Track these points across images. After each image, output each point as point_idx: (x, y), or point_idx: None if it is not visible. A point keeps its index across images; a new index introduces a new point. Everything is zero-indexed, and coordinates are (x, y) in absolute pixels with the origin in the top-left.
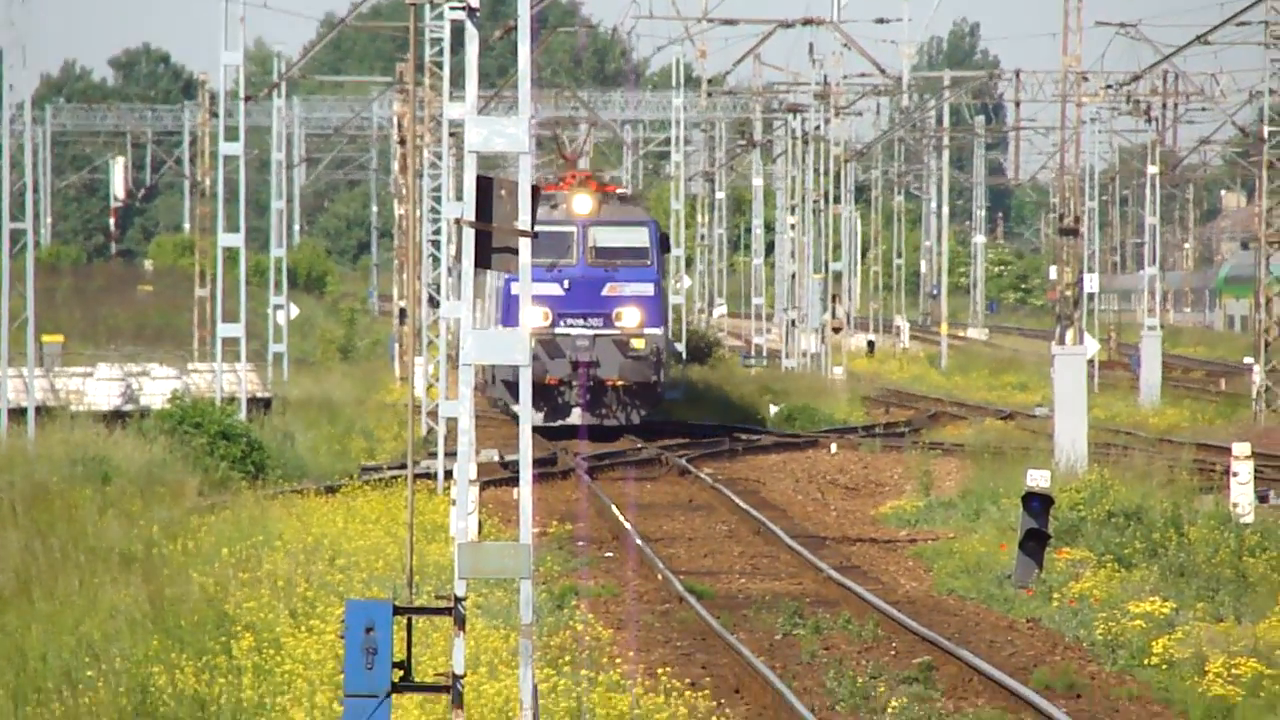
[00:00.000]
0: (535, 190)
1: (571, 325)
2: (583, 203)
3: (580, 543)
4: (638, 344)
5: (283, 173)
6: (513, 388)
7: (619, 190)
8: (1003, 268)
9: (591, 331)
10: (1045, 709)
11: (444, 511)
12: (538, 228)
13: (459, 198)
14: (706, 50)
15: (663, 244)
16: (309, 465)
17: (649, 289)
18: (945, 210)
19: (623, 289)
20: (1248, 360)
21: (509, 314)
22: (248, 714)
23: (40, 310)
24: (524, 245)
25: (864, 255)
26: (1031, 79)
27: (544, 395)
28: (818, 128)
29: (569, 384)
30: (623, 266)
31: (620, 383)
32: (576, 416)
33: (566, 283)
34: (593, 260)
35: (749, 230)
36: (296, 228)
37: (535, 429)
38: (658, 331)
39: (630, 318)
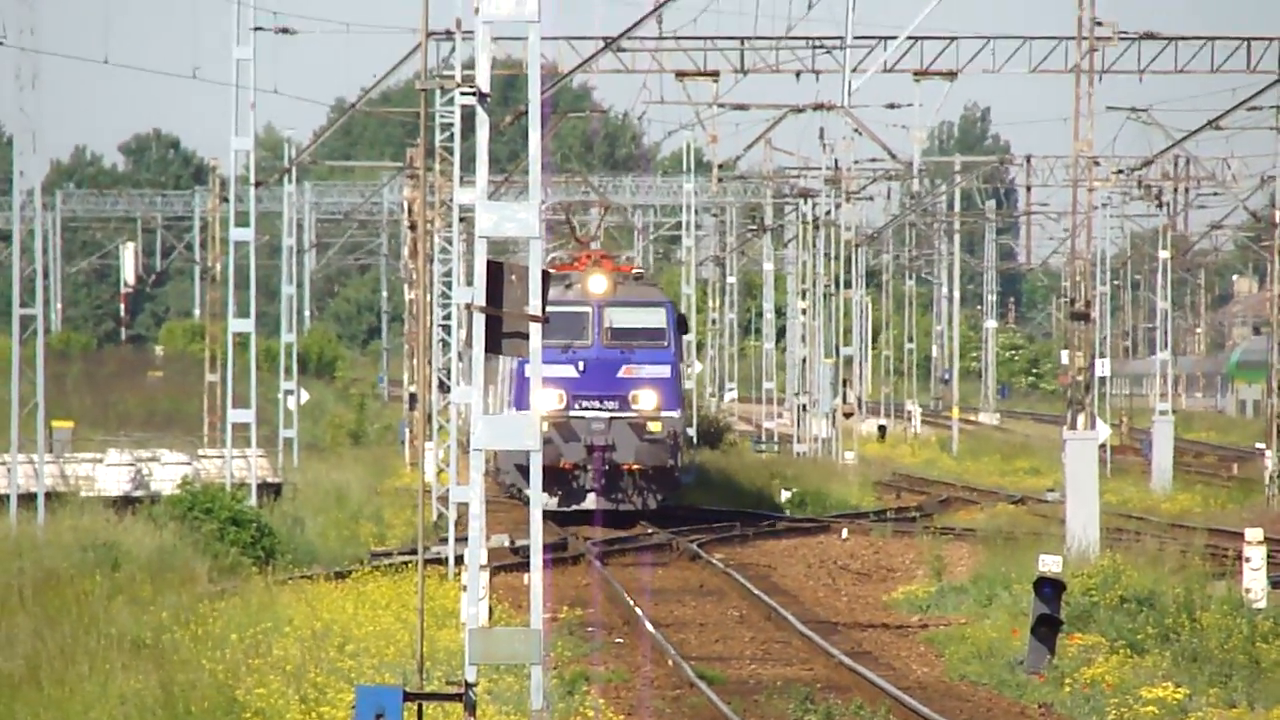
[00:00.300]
0: (546, 275)
1: (587, 408)
2: (598, 283)
3: (591, 628)
4: (654, 427)
5: (293, 258)
6: (525, 471)
7: (634, 270)
8: (1014, 352)
9: (607, 414)
10: None
11: (454, 597)
12: (551, 309)
13: (469, 283)
14: (718, 135)
15: (679, 325)
16: (319, 550)
17: (666, 371)
18: (956, 295)
19: (639, 371)
20: (1259, 445)
21: (522, 397)
22: None
23: (50, 396)
24: (534, 330)
25: (875, 340)
26: (1043, 164)
27: (558, 480)
28: (828, 212)
29: (584, 468)
30: (639, 348)
31: (636, 467)
32: (591, 501)
33: (581, 364)
34: (608, 341)
35: (760, 315)
36: (307, 313)
37: (548, 514)
38: (675, 414)
39: (647, 400)
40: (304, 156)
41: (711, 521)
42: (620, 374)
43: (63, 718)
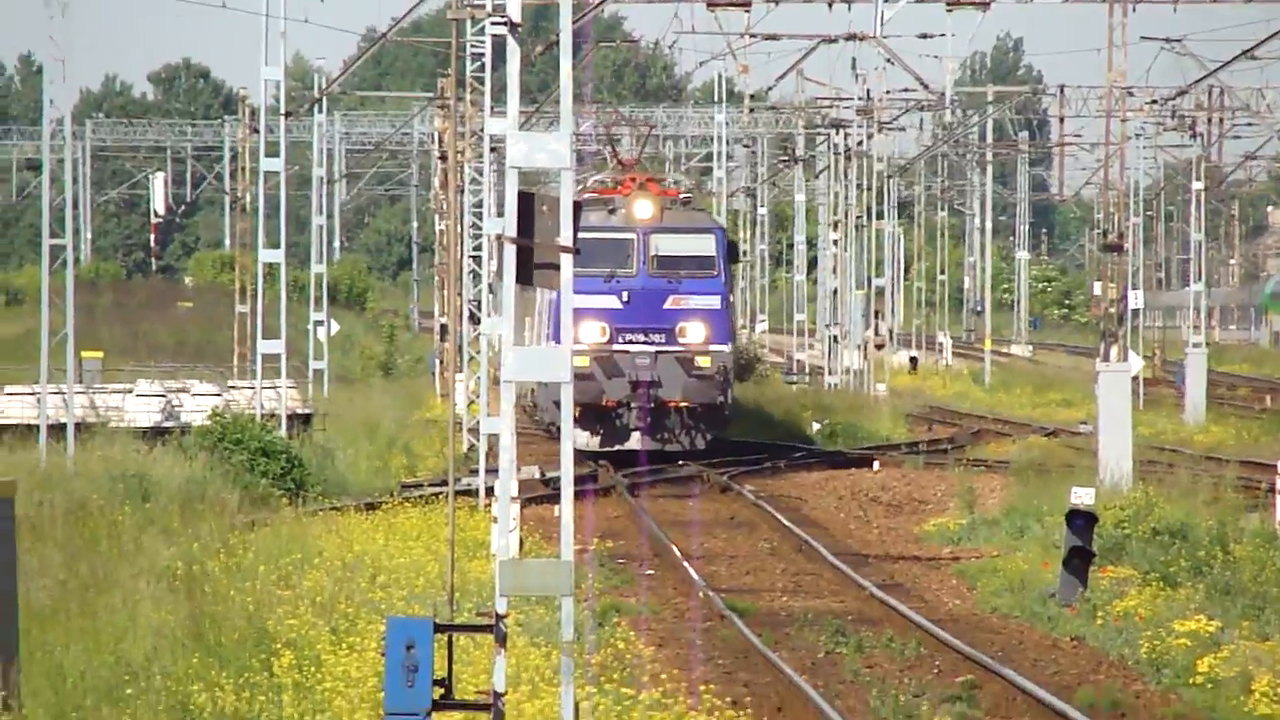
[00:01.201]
0: (578, 206)
1: (631, 341)
2: (643, 208)
3: (622, 560)
4: (703, 362)
5: (323, 188)
6: None
7: (682, 194)
8: (1047, 284)
9: (653, 348)
10: None
11: (485, 529)
12: (594, 235)
13: (500, 213)
14: (749, 66)
15: (730, 252)
16: (349, 482)
17: (715, 302)
18: (989, 226)
19: (687, 302)
20: None
21: (561, 329)
22: None
23: (80, 326)
24: (565, 262)
25: (907, 271)
26: (1076, 94)
27: (600, 418)
28: (860, 143)
29: (628, 405)
30: (687, 277)
31: (684, 404)
32: (636, 441)
33: (625, 295)
34: (654, 270)
35: (791, 246)
36: (337, 243)
37: (588, 454)
38: (725, 348)
39: (695, 333)
40: (334, 86)
41: (742, 453)
42: (667, 305)
43: (94, 648)
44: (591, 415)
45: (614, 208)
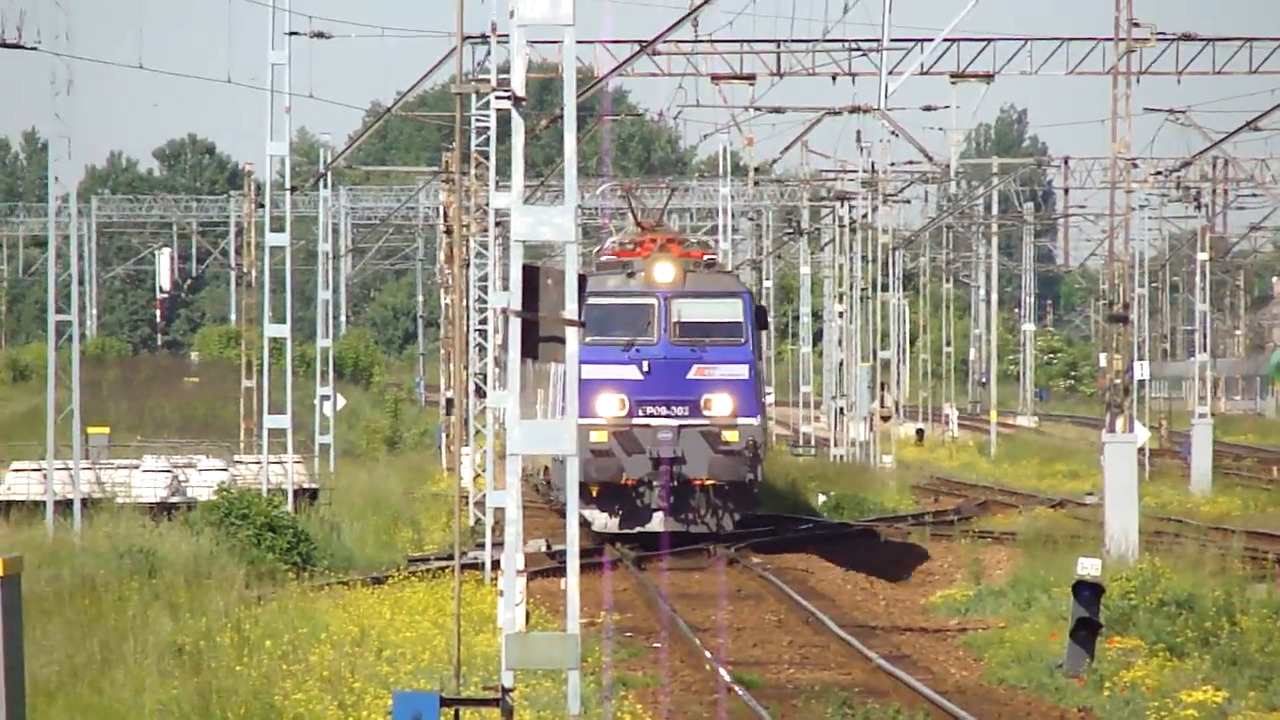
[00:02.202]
0: (583, 279)
1: (652, 415)
2: (664, 271)
3: (628, 633)
4: (730, 436)
5: (329, 263)
6: (581, 488)
7: (706, 255)
8: (1052, 355)
9: (676, 421)
10: None
11: (491, 602)
12: (612, 301)
13: (505, 287)
14: (753, 138)
15: (758, 318)
16: (356, 556)
17: (743, 371)
18: (994, 298)
19: (712, 372)
20: None
21: (582, 400)
22: None
23: (86, 402)
24: (571, 335)
25: (912, 343)
26: (1080, 165)
27: (619, 497)
28: (865, 215)
29: (649, 484)
30: (712, 345)
31: (710, 482)
32: (658, 523)
33: (646, 364)
34: (677, 338)
35: (796, 318)
36: (343, 318)
37: (609, 535)
38: (753, 421)
39: (721, 405)
40: (339, 161)
41: (748, 525)
42: (691, 375)
43: None
44: (610, 494)
45: (633, 271)
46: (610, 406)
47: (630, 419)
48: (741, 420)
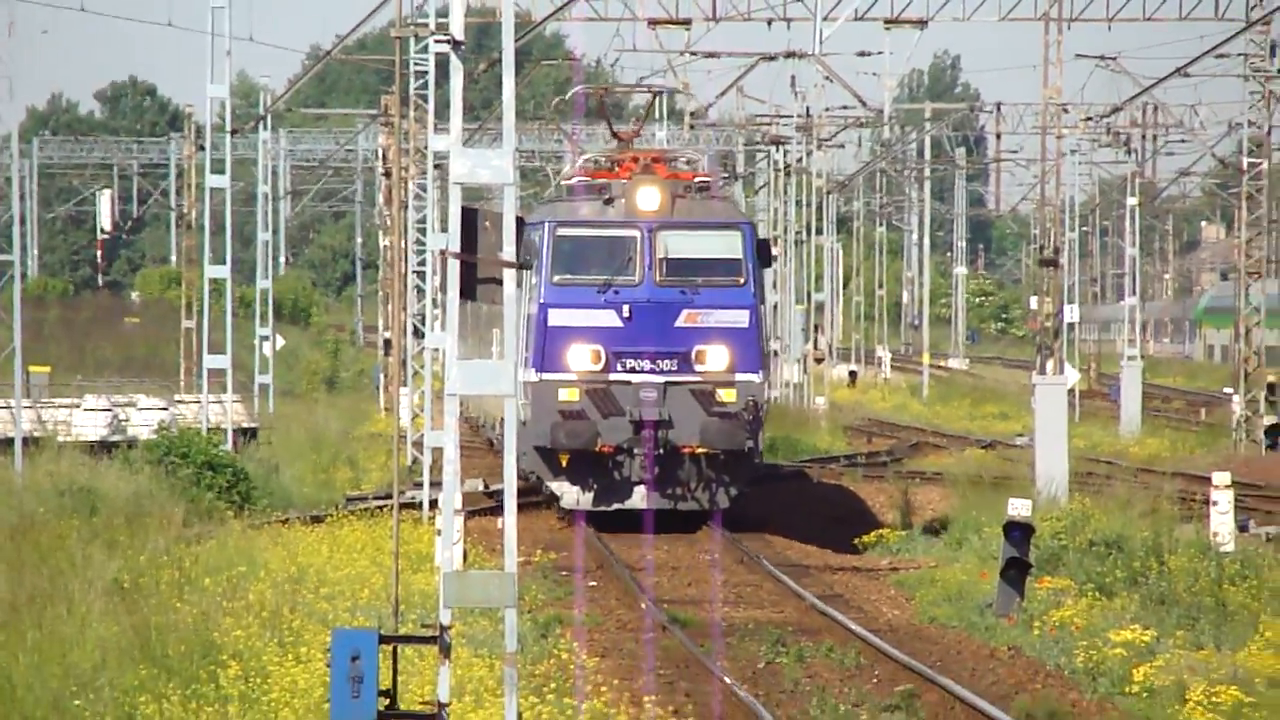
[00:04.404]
0: (520, 221)
1: (633, 370)
2: (649, 197)
3: (564, 572)
4: (726, 395)
5: (268, 205)
6: (545, 454)
7: (699, 178)
8: (984, 298)
9: (661, 378)
10: None
11: (429, 541)
12: (585, 232)
13: (444, 229)
14: (689, 83)
15: (761, 254)
16: (294, 495)
17: (743, 318)
18: (926, 242)
19: (706, 318)
20: (1227, 390)
21: (546, 352)
22: None
23: (27, 342)
24: (508, 276)
25: (845, 286)
26: (1012, 111)
27: (594, 468)
28: (800, 160)
29: (629, 452)
30: (705, 287)
31: (701, 450)
32: (640, 498)
33: (626, 309)
34: (663, 278)
35: None
36: (282, 259)
37: (581, 514)
38: (754, 378)
39: (716, 358)
40: (279, 104)
41: None
42: (679, 322)
43: (41, 661)
44: (582, 464)
45: (610, 196)
46: (582, 359)
47: (607, 374)
48: (740, 376)
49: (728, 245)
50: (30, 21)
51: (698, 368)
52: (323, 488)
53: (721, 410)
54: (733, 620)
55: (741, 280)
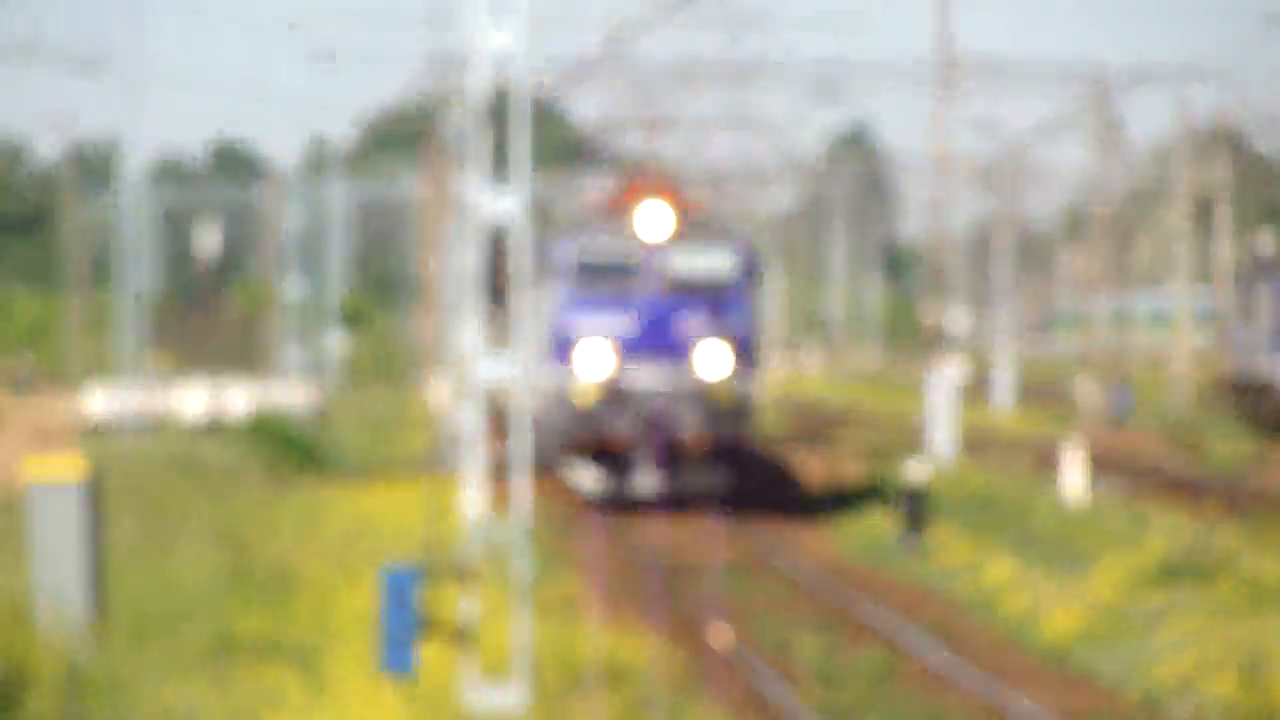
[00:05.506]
0: (544, 241)
1: (641, 371)
2: (656, 219)
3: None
4: (723, 394)
5: (335, 236)
6: (565, 449)
7: (699, 204)
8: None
9: (666, 378)
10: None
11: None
12: (600, 250)
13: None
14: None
15: (754, 269)
16: (354, 462)
17: (738, 326)
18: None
19: (706, 326)
20: (1079, 379)
21: (561, 348)
22: (308, 650)
23: (151, 340)
24: (523, 289)
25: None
26: (913, 161)
27: (605, 460)
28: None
29: (638, 445)
30: (705, 298)
31: (701, 443)
32: (648, 486)
33: (635, 317)
34: (668, 291)
35: None
36: (349, 277)
37: (593, 501)
38: (749, 378)
39: (715, 362)
40: (342, 158)
41: None
42: (682, 329)
43: (163, 584)
44: (595, 457)
45: (623, 218)
46: (596, 362)
47: (618, 375)
48: (737, 377)
49: (725, 262)
50: (140, 84)
51: (698, 370)
52: (376, 456)
53: (719, 407)
54: (696, 562)
55: (737, 291)
